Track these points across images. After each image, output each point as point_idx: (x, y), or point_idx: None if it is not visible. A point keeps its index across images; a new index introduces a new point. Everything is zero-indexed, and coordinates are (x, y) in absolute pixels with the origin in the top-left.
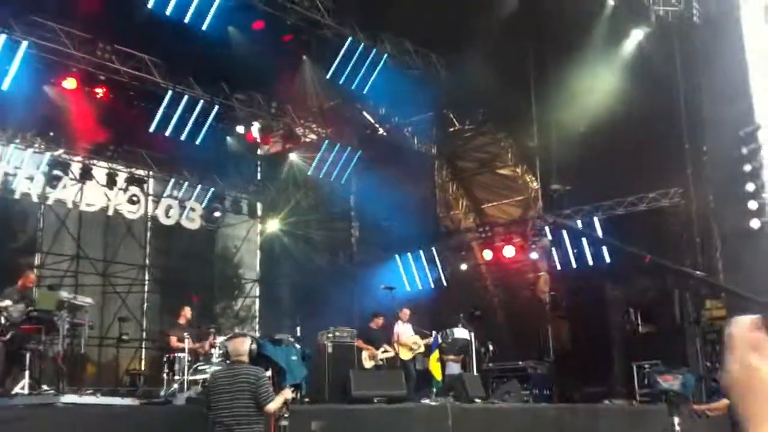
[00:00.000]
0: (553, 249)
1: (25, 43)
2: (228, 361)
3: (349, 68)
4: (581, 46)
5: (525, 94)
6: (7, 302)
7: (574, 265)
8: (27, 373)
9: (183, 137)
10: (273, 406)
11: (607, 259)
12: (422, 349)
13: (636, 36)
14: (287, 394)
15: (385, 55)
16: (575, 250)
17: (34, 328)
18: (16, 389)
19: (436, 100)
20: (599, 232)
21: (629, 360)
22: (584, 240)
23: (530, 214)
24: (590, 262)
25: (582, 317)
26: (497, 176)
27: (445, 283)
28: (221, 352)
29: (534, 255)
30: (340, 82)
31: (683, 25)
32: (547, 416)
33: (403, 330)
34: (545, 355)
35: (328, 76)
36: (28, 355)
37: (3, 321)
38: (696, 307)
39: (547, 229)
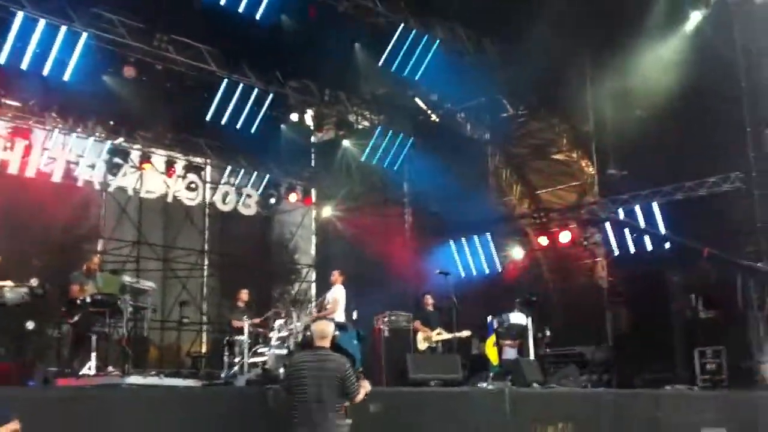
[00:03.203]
0: (610, 235)
1: (84, 35)
2: (302, 345)
3: (401, 55)
4: (638, 29)
5: (580, 79)
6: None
7: (633, 251)
8: (94, 354)
9: (238, 125)
10: (359, 398)
11: (667, 245)
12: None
13: (695, 18)
14: (367, 386)
15: (437, 41)
16: (634, 235)
17: (100, 311)
18: (84, 370)
19: (488, 86)
20: (658, 217)
21: (690, 346)
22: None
23: (586, 200)
24: (649, 248)
25: (641, 303)
26: (552, 162)
27: (500, 269)
28: (280, 335)
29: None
30: (392, 68)
31: (743, 5)
32: (606, 401)
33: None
34: (603, 341)
35: (380, 63)
36: (94, 338)
37: None
38: (760, 293)
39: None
